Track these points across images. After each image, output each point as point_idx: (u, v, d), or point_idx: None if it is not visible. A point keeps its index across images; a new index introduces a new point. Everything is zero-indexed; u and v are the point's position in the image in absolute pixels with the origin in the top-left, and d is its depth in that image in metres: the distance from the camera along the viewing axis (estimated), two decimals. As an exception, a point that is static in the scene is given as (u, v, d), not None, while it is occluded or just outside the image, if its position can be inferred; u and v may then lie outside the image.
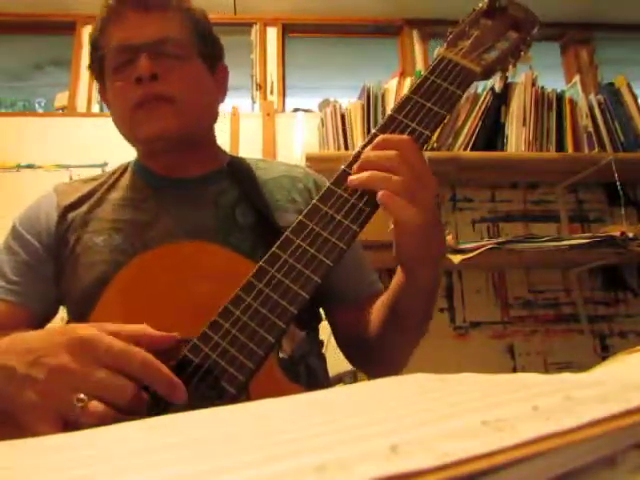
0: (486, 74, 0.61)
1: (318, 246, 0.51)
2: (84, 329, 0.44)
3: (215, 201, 0.74)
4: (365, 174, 0.51)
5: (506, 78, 0.67)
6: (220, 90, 0.80)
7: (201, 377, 0.47)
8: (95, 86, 2.16)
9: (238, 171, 0.79)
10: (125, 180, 0.78)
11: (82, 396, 0.39)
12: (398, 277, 0.63)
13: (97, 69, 0.75)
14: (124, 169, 0.81)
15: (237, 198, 0.75)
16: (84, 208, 0.74)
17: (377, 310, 0.68)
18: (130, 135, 0.73)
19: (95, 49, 0.74)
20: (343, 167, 0.55)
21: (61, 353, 0.42)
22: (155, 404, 0.44)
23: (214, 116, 0.79)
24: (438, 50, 0.62)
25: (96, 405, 0.39)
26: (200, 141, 0.77)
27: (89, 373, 0.41)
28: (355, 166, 0.53)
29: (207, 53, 0.75)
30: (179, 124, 0.69)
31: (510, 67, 0.64)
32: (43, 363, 0.41)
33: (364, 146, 0.55)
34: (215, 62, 0.78)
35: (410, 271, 0.60)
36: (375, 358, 0.71)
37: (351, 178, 0.52)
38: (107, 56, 0.71)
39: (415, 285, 0.60)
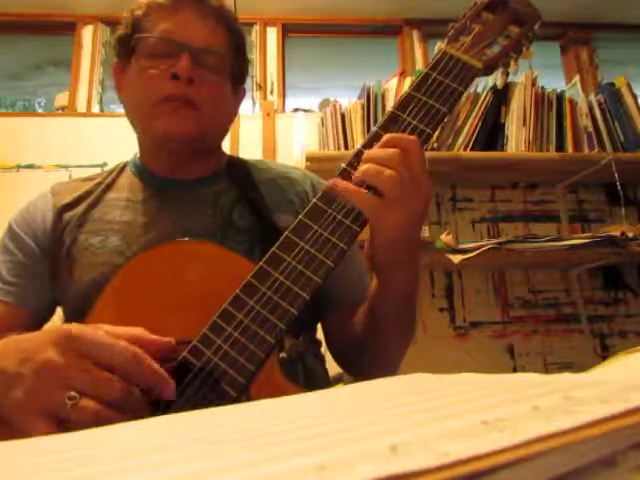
0: (488, 70, 0.60)
1: (319, 246, 0.50)
2: (75, 327, 0.43)
3: (214, 202, 0.74)
4: (363, 167, 0.51)
5: (507, 74, 0.66)
6: (236, 110, 0.82)
7: (202, 379, 0.47)
8: (95, 86, 2.17)
9: (237, 171, 0.79)
10: (123, 180, 0.78)
11: (73, 393, 0.39)
12: (375, 280, 0.61)
13: (126, 46, 0.73)
14: (121, 169, 0.81)
15: (235, 199, 0.74)
16: (80, 209, 0.74)
17: (361, 314, 0.67)
18: (144, 124, 0.72)
19: (135, 28, 0.72)
20: (344, 165, 0.54)
21: (48, 349, 0.41)
22: (153, 404, 0.44)
23: (225, 134, 0.81)
24: (439, 45, 0.61)
25: (88, 402, 0.39)
26: (206, 152, 0.78)
27: (74, 368, 0.40)
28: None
29: (236, 75, 0.77)
30: (196, 131, 0.70)
31: (512, 63, 0.63)
32: (31, 360, 0.41)
33: (365, 144, 0.54)
34: (240, 83, 0.80)
35: (382, 274, 0.59)
36: (363, 362, 0.69)
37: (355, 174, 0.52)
38: (148, 40, 0.71)
39: (389, 288, 0.59)
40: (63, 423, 0.39)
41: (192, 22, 0.71)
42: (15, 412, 0.40)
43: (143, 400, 0.42)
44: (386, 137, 0.52)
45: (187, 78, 0.67)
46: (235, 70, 0.76)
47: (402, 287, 0.58)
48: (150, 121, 0.70)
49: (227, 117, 0.78)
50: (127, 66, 0.74)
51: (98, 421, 0.39)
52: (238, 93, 0.80)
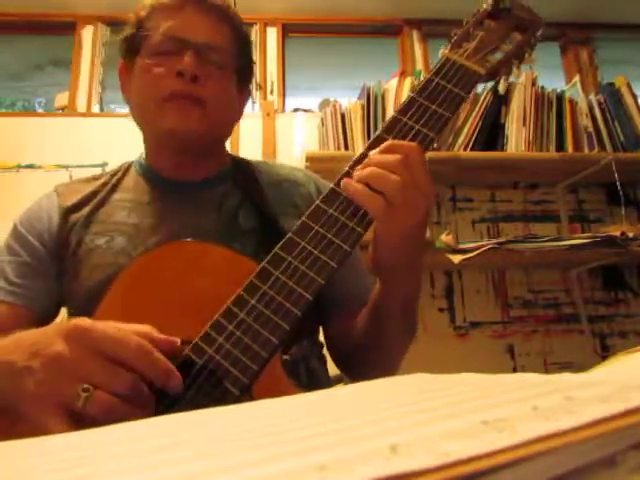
0: (490, 75, 0.61)
1: (322, 248, 0.51)
2: (85, 320, 0.44)
3: (219, 205, 0.74)
4: (367, 170, 0.52)
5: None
6: (240, 110, 0.82)
7: (204, 378, 0.47)
8: (95, 86, 2.16)
9: (242, 173, 0.79)
10: (128, 181, 0.78)
11: (87, 386, 0.39)
12: (378, 282, 0.62)
13: (131, 46, 0.74)
14: (126, 169, 0.81)
15: (240, 201, 0.74)
16: (86, 209, 0.74)
17: (364, 314, 0.68)
18: (149, 122, 0.72)
19: (140, 28, 0.73)
20: (347, 168, 0.54)
21: (58, 342, 0.42)
22: (159, 399, 0.44)
23: (230, 133, 0.81)
24: (442, 51, 0.62)
25: (101, 394, 0.39)
26: (211, 151, 0.78)
27: (85, 361, 0.41)
28: (359, 166, 0.53)
29: (242, 73, 0.77)
30: (202, 128, 0.70)
31: (514, 69, 0.64)
32: (41, 353, 0.42)
33: (368, 147, 0.55)
34: (244, 83, 0.80)
35: (385, 276, 0.60)
36: (364, 363, 0.70)
37: (355, 173, 0.53)
38: (152, 37, 0.71)
39: (392, 290, 0.60)
40: (76, 416, 0.39)
41: (195, 19, 0.71)
42: (28, 405, 0.41)
43: (151, 393, 0.43)
44: (386, 144, 0.53)
45: (191, 75, 0.68)
46: (241, 70, 0.76)
47: (405, 289, 0.59)
48: (155, 119, 0.70)
49: (232, 115, 0.78)
50: (133, 66, 0.74)
51: (111, 413, 0.39)
52: (243, 94, 0.80)
